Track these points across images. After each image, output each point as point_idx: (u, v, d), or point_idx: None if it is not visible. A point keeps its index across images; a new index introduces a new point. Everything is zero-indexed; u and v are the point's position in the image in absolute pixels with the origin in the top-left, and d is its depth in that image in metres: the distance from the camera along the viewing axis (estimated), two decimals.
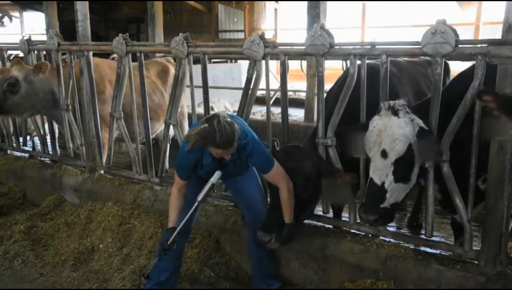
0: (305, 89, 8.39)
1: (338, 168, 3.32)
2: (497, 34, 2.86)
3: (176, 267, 3.39)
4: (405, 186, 2.79)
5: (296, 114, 9.34)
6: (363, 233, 3.44)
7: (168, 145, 4.56)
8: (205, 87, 3.99)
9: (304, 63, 7.81)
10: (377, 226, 3.20)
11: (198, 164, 3.14)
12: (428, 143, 2.69)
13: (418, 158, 2.76)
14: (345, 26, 14.96)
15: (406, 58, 4.20)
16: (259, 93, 3.95)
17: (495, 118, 2.52)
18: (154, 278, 3.29)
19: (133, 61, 4.49)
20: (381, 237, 3.38)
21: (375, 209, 2.72)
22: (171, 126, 4.28)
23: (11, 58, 7.09)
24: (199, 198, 3.13)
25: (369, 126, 2.83)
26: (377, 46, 3.05)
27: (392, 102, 2.79)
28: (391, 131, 2.69)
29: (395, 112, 2.73)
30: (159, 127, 5.67)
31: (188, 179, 3.21)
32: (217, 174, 3.11)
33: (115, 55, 5.46)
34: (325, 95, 3.57)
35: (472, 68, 2.83)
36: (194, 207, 3.15)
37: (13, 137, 5.94)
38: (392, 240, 3.35)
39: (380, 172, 2.73)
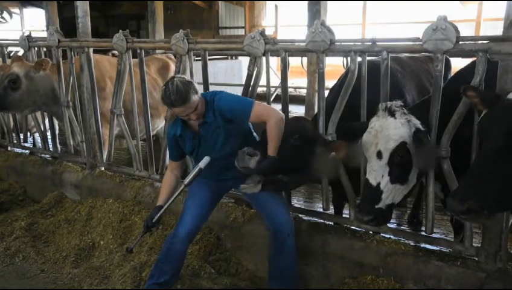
0: (305, 86, 8.39)
1: (332, 140, 3.27)
2: (498, 31, 2.85)
3: (177, 270, 3.35)
4: (402, 187, 2.78)
5: (297, 111, 9.34)
6: (363, 230, 3.44)
7: None
8: (206, 84, 3.99)
9: (305, 59, 7.80)
10: (372, 226, 3.20)
11: (182, 139, 3.16)
12: (425, 144, 2.68)
13: (417, 159, 2.76)
14: (345, 22, 14.93)
15: (408, 55, 4.20)
16: (259, 90, 3.95)
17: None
18: (155, 277, 3.29)
19: (133, 57, 4.49)
20: (381, 234, 3.39)
21: (370, 210, 2.71)
22: None
23: (11, 54, 7.09)
24: (185, 181, 3.13)
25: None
26: (377, 43, 3.04)
27: (389, 103, 2.79)
28: (387, 132, 2.70)
29: (391, 113, 2.73)
30: (160, 124, 5.67)
31: (179, 160, 3.31)
32: (205, 160, 3.09)
33: (114, 51, 5.45)
34: (326, 92, 3.56)
35: (471, 65, 2.82)
36: (179, 190, 3.17)
37: (14, 134, 5.95)
38: (392, 236, 3.35)
39: (376, 173, 2.73)
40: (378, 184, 2.72)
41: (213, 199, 3.40)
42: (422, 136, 2.68)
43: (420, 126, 2.73)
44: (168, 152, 3.45)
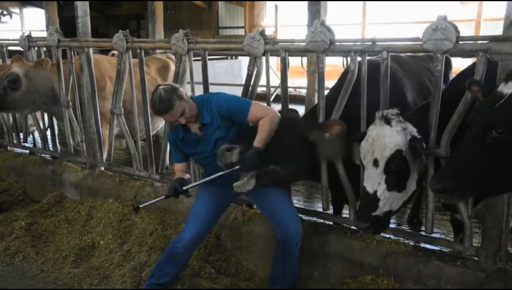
0: (305, 86, 8.38)
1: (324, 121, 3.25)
2: (498, 31, 2.85)
3: (178, 273, 3.35)
4: (400, 194, 2.78)
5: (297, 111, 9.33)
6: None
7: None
8: (205, 84, 3.98)
9: (305, 59, 7.80)
10: (369, 233, 3.20)
11: (184, 142, 3.16)
12: (420, 152, 2.67)
13: (414, 166, 2.76)
14: (345, 22, 14.93)
15: (408, 53, 4.18)
16: (259, 89, 3.94)
17: None
18: (155, 278, 3.29)
19: (133, 57, 4.49)
20: (381, 234, 3.38)
21: (367, 217, 2.72)
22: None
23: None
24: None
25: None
26: (377, 43, 3.04)
27: (385, 111, 2.80)
28: (383, 140, 2.71)
29: (387, 121, 2.74)
30: (160, 124, 5.67)
31: (183, 163, 3.28)
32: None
33: (114, 51, 5.45)
34: (326, 92, 3.56)
35: (473, 66, 2.82)
36: (226, 171, 2.92)
37: (13, 133, 5.94)
38: (392, 236, 3.35)
39: (373, 181, 2.74)
40: (375, 192, 2.72)
41: (220, 205, 3.37)
42: (417, 144, 2.68)
43: (416, 134, 2.73)
44: (167, 153, 3.44)
